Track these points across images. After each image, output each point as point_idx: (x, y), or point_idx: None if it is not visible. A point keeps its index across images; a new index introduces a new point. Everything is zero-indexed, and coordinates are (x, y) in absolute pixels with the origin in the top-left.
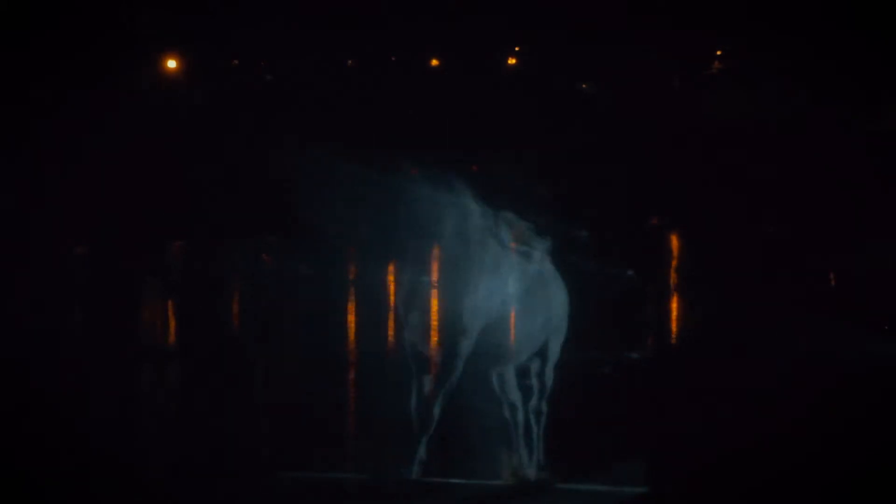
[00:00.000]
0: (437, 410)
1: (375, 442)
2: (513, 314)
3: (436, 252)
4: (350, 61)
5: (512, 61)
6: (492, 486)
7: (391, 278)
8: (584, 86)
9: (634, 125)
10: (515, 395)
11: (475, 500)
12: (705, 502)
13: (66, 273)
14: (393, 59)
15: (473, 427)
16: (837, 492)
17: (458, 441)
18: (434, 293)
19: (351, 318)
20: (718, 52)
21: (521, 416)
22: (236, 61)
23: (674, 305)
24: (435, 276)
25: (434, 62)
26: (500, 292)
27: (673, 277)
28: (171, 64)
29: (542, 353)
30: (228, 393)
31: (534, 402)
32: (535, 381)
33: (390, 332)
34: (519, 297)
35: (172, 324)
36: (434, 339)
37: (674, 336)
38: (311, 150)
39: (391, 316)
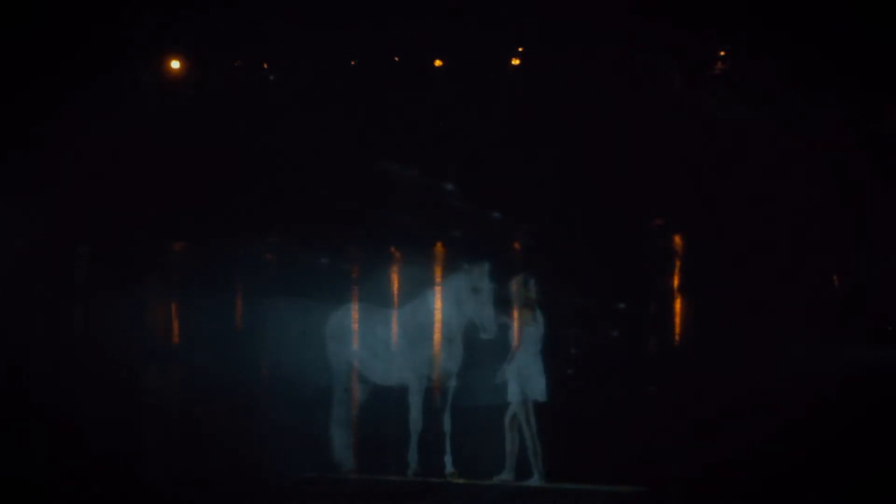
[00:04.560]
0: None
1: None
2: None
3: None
4: (353, 61)
5: (515, 62)
6: (492, 486)
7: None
8: (584, 87)
9: (635, 126)
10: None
11: (475, 500)
12: (705, 502)
13: (66, 273)
14: (396, 59)
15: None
16: (837, 492)
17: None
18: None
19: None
20: (720, 53)
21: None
22: (238, 62)
23: (675, 307)
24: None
25: (437, 63)
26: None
27: (674, 279)
28: (172, 64)
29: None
30: (229, 396)
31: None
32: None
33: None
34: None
35: (174, 325)
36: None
37: (676, 337)
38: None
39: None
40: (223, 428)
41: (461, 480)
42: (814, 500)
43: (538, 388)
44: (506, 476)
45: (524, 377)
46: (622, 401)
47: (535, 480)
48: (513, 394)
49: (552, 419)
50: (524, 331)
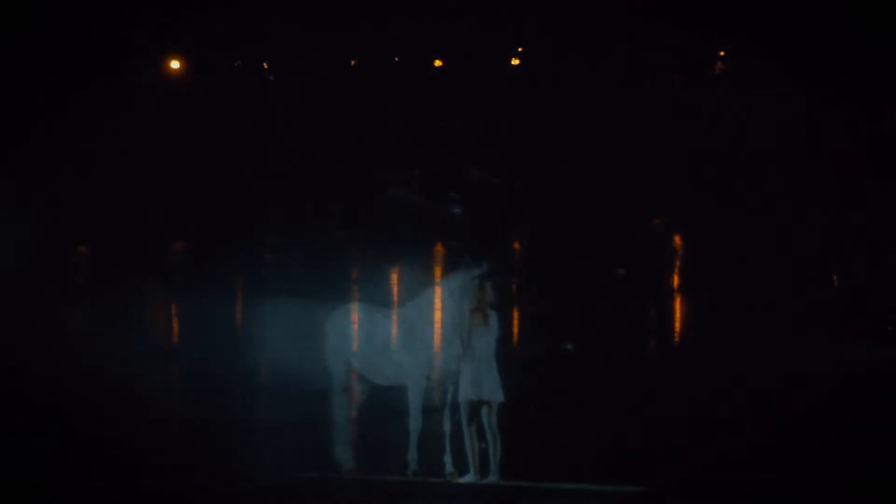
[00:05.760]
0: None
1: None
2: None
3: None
4: (353, 61)
5: (515, 62)
6: (491, 486)
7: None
8: (584, 87)
9: (635, 125)
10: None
11: (475, 500)
12: (705, 502)
13: (66, 273)
14: (396, 59)
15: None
16: (837, 492)
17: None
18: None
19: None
20: (720, 53)
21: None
22: (238, 62)
23: (675, 305)
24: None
25: (437, 63)
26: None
27: (674, 278)
28: (173, 64)
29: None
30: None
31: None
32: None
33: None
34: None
35: (174, 324)
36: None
37: (675, 336)
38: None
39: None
40: (223, 428)
41: (461, 480)
42: (814, 500)
43: (492, 389)
44: (471, 477)
45: (476, 379)
46: (621, 400)
47: (469, 478)
48: (462, 395)
49: (551, 418)
50: (474, 334)
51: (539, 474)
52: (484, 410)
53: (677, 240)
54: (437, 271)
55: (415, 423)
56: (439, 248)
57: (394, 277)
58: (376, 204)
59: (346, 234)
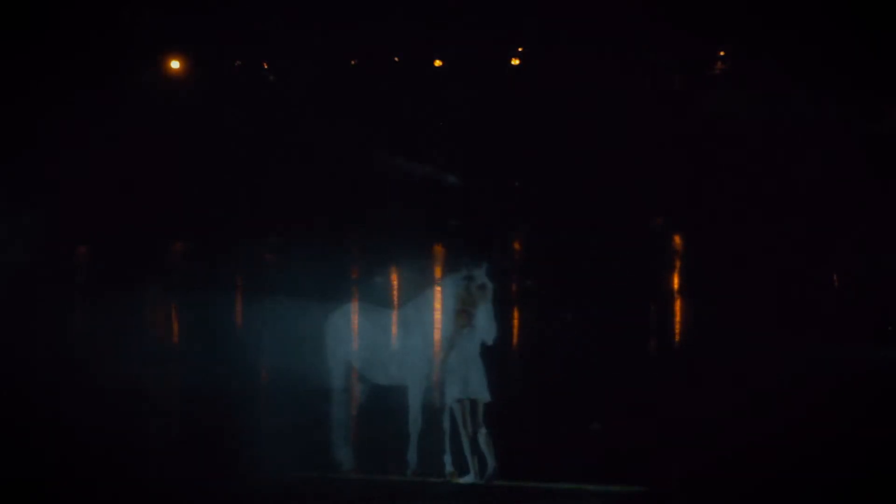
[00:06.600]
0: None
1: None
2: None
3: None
4: (353, 61)
5: (515, 62)
6: (490, 486)
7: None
8: (584, 86)
9: (635, 125)
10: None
11: (475, 500)
12: (705, 502)
13: (66, 273)
14: (396, 59)
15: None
16: (837, 492)
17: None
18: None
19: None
20: (720, 54)
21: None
22: (238, 62)
23: (674, 305)
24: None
25: (437, 63)
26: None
27: (673, 278)
28: (173, 64)
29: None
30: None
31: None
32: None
33: None
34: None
35: (174, 324)
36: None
37: (675, 336)
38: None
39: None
40: (223, 428)
41: (461, 480)
42: (814, 500)
43: (478, 388)
44: (471, 477)
45: (461, 378)
46: (621, 400)
47: (469, 478)
48: (460, 395)
49: (551, 417)
50: (459, 334)
51: (539, 474)
52: (483, 410)
53: (677, 239)
54: (433, 272)
55: (414, 422)
56: (437, 249)
57: (389, 278)
58: (375, 203)
59: (344, 233)
